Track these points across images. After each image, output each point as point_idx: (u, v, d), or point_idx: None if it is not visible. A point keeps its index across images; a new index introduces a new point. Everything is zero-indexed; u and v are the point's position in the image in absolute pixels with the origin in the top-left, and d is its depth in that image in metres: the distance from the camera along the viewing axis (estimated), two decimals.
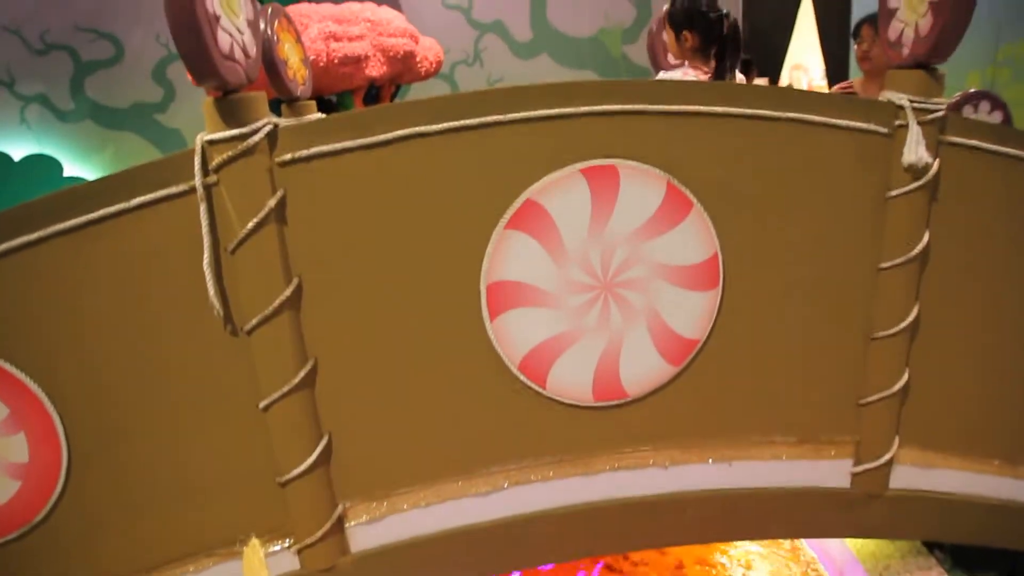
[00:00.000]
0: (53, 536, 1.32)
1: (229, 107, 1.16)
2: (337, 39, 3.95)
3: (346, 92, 4.10)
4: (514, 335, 1.33)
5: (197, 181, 1.17)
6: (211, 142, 1.16)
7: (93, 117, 6.62)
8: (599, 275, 1.32)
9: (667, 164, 1.30)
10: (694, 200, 1.32)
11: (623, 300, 1.34)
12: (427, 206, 1.27)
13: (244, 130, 1.16)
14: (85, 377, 1.26)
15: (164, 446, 1.32)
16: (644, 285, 1.34)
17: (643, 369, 1.37)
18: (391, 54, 4.15)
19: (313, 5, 4.21)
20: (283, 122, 1.20)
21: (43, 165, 6.55)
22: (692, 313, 1.37)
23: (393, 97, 4.58)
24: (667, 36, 2.76)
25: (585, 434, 1.40)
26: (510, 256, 1.29)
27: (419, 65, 4.44)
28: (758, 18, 6.47)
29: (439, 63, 4.67)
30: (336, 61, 3.88)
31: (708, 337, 1.38)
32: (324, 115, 1.67)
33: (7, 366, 1.23)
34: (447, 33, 5.98)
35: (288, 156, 1.20)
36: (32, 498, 1.30)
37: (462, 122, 1.23)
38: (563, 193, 1.28)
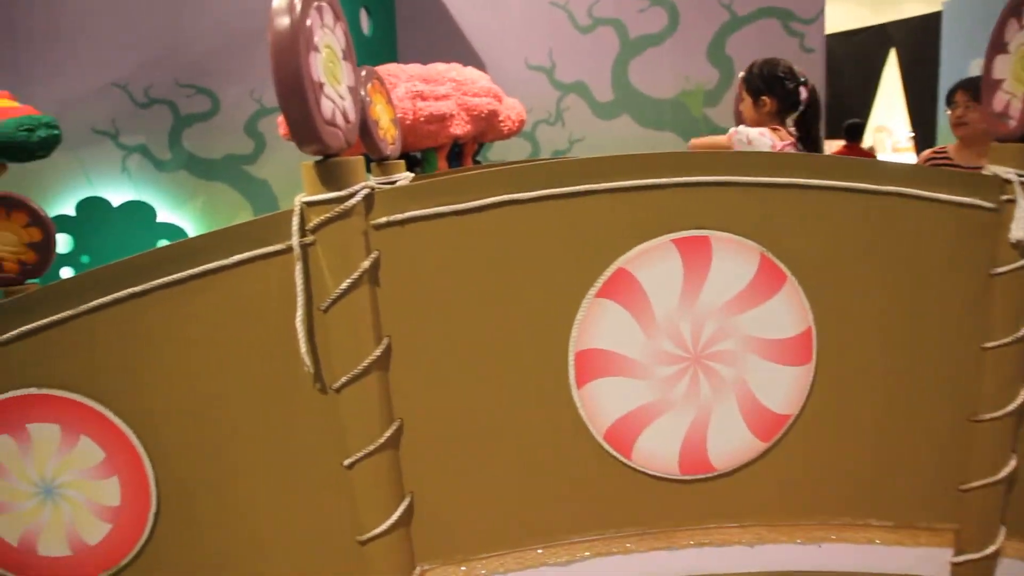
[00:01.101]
0: None
1: (328, 170, 1.19)
2: (424, 98, 4.05)
3: (430, 149, 4.20)
4: (601, 404, 1.31)
5: (294, 241, 1.20)
6: (309, 204, 1.20)
7: (188, 167, 6.91)
8: (689, 346, 1.30)
9: (761, 236, 1.28)
10: (788, 273, 1.29)
11: (713, 372, 1.31)
12: (518, 272, 1.28)
13: (342, 193, 1.19)
14: (177, 427, 1.30)
15: (248, 499, 1.33)
16: (735, 358, 1.31)
17: (731, 443, 1.34)
18: (475, 113, 4.23)
19: (401, 65, 4.34)
20: (379, 186, 1.22)
21: (139, 211, 6.85)
22: (783, 388, 1.33)
23: (476, 154, 4.66)
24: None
25: (670, 507, 1.37)
26: (600, 324, 1.28)
27: (502, 124, 4.51)
28: (841, 80, 6.43)
29: (521, 122, 4.74)
30: (422, 119, 3.98)
31: (800, 413, 1.34)
32: (412, 173, 1.71)
33: (107, 412, 1.27)
34: (530, 93, 6.10)
35: (383, 219, 1.22)
36: (120, 542, 1.33)
37: (556, 190, 1.23)
38: (655, 263, 1.27)
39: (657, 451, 1.34)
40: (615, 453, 1.34)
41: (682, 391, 1.32)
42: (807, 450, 1.36)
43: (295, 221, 1.20)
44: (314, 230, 1.20)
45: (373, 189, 1.22)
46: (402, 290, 1.25)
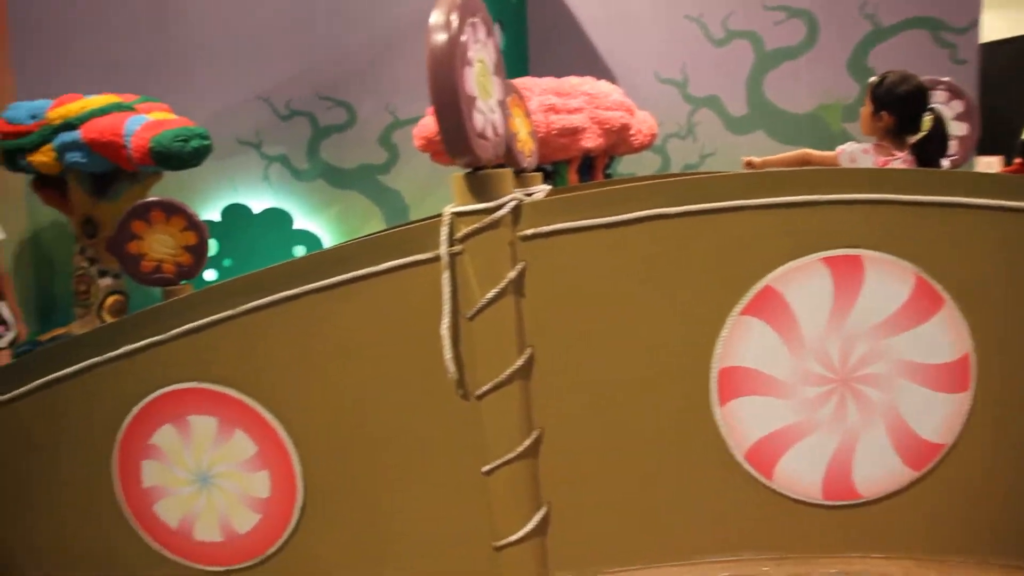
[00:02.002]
0: (282, 569, 1.41)
1: (478, 182, 1.22)
2: (556, 111, 4.08)
3: (561, 162, 4.22)
4: (743, 423, 1.29)
5: (443, 250, 1.23)
6: (458, 214, 1.23)
7: (324, 176, 7.17)
8: (837, 368, 1.26)
9: (916, 256, 1.23)
10: (945, 295, 1.23)
11: (861, 396, 1.27)
12: (663, 286, 1.27)
13: (490, 204, 1.21)
14: (324, 426, 1.35)
15: (388, 498, 1.37)
16: (885, 382, 1.26)
17: (879, 470, 1.29)
18: (607, 126, 4.23)
19: (534, 79, 4.39)
20: (527, 198, 1.24)
21: (277, 218, 7.16)
22: (937, 415, 1.27)
23: (606, 168, 4.66)
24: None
25: (811, 533, 1.33)
26: (745, 342, 1.26)
27: (633, 138, 4.50)
28: (1000, 93, 6.08)
29: (653, 136, 4.71)
30: (554, 132, 4.01)
31: (955, 443, 1.27)
32: (548, 186, 1.72)
33: (260, 409, 1.34)
34: (661, 106, 6.04)
35: (530, 231, 1.24)
36: (268, 532, 1.40)
37: (705, 205, 1.22)
38: (803, 282, 1.24)
39: (800, 474, 1.30)
40: (756, 474, 1.31)
41: (828, 413, 1.28)
42: (963, 482, 1.28)
43: (444, 231, 1.23)
44: (462, 240, 1.23)
45: (521, 201, 1.23)
46: (546, 301, 1.27)
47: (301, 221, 7.12)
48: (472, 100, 1.16)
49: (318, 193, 7.14)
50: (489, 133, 1.21)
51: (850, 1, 6.41)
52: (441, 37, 1.12)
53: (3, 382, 1.41)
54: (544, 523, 1.34)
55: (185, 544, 1.42)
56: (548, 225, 1.24)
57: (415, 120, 6.56)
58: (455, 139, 1.15)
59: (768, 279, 1.24)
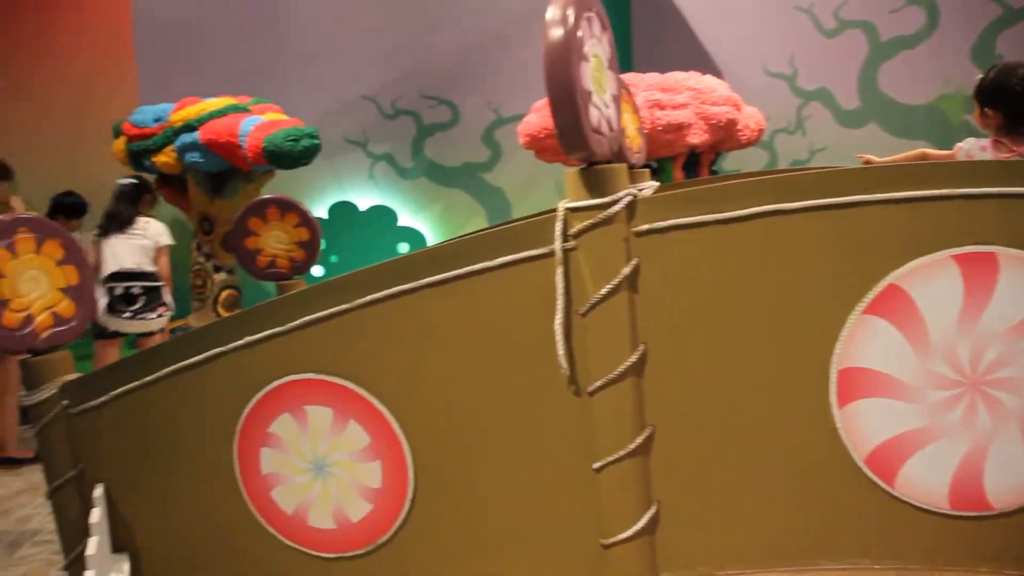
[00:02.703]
0: (392, 558, 1.43)
1: (592, 177, 1.22)
2: (661, 107, 4.04)
3: (666, 158, 4.17)
4: (863, 425, 1.24)
5: (557, 246, 1.23)
6: (573, 209, 1.23)
7: (428, 174, 7.31)
8: (966, 370, 1.20)
9: None
10: None
11: (994, 400, 1.20)
12: (781, 284, 1.23)
13: (605, 200, 1.21)
14: (436, 419, 1.37)
15: (498, 492, 1.38)
16: (1021, 386, 1.19)
17: (1014, 480, 1.22)
18: (713, 122, 4.16)
19: (639, 74, 4.35)
20: (642, 193, 1.23)
21: (382, 215, 7.34)
22: None
23: (712, 164, 4.58)
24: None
25: (935, 544, 1.27)
26: (867, 342, 1.21)
27: (740, 133, 4.41)
28: None
29: (760, 131, 4.61)
30: (659, 128, 3.97)
31: None
32: (657, 183, 1.70)
33: (374, 400, 1.37)
34: (769, 101, 5.91)
35: (645, 226, 1.23)
36: (379, 522, 1.43)
37: (825, 200, 1.18)
38: (931, 280, 1.19)
39: (924, 481, 1.25)
40: (876, 479, 1.26)
41: (956, 418, 1.22)
42: None
43: (558, 226, 1.23)
44: (576, 235, 1.23)
45: (635, 196, 1.22)
46: (660, 297, 1.25)
47: (405, 218, 7.27)
48: (588, 95, 1.16)
49: (422, 191, 7.28)
50: (604, 128, 1.21)
51: None
52: (557, 32, 1.12)
53: (133, 370, 1.48)
54: (654, 522, 1.32)
55: (300, 530, 1.46)
56: (663, 221, 1.22)
57: (518, 118, 6.60)
58: (571, 134, 1.14)
59: (893, 277, 1.19)
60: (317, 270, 6.80)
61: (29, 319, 1.48)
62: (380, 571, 1.45)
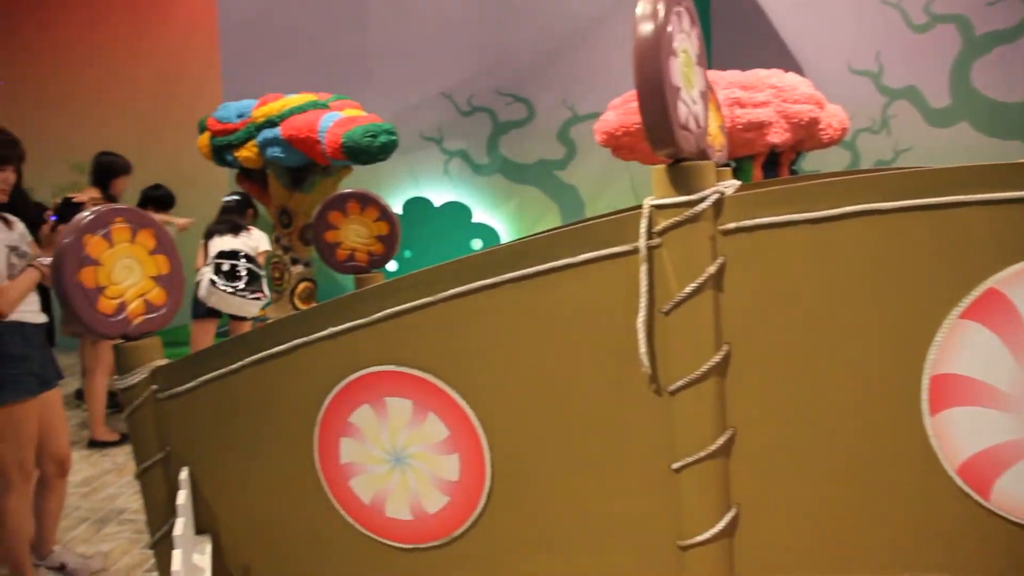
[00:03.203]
0: (466, 552, 1.44)
1: (679, 174, 1.20)
2: (742, 105, 3.97)
3: (746, 157, 4.10)
4: (956, 435, 1.20)
5: (641, 243, 1.22)
6: (658, 207, 1.21)
7: (502, 171, 7.34)
8: None
9: None
10: None
11: None
12: (872, 286, 1.20)
13: (692, 197, 1.19)
14: (515, 414, 1.37)
15: (574, 489, 1.38)
16: None
17: None
18: (795, 120, 4.07)
19: (720, 72, 4.28)
20: (729, 191, 1.21)
21: (456, 211, 7.39)
22: None
23: (792, 164, 4.48)
24: None
25: None
26: (963, 348, 1.17)
27: (822, 132, 4.30)
28: None
29: (843, 130, 4.49)
30: (739, 127, 3.90)
31: None
32: (738, 181, 1.67)
33: (454, 394, 1.38)
34: (853, 99, 5.73)
35: (732, 225, 1.20)
36: (455, 514, 1.43)
37: (923, 200, 1.14)
38: None
39: (1022, 496, 1.19)
40: (969, 491, 1.21)
41: None
42: None
43: (643, 223, 1.22)
44: (661, 233, 1.21)
45: (723, 194, 1.20)
46: (746, 297, 1.23)
47: (480, 214, 7.31)
48: (677, 91, 1.14)
49: (496, 187, 7.31)
50: (691, 125, 1.19)
51: None
52: (648, 27, 1.10)
53: (219, 358, 1.52)
54: (732, 525, 1.30)
55: (377, 520, 1.48)
56: (751, 219, 1.20)
57: (593, 115, 6.57)
58: (659, 130, 1.13)
59: (992, 281, 1.15)
60: (391, 265, 6.90)
61: (123, 306, 1.53)
62: (455, 563, 1.46)
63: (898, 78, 6.23)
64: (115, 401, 6.24)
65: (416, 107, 7.39)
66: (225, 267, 4.79)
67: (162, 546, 1.59)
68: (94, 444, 5.65)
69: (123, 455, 5.49)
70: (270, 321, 1.62)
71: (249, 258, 4.93)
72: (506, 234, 7.28)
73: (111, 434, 5.72)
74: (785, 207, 1.19)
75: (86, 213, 1.50)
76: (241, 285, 4.77)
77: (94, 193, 5.28)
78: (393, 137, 5.34)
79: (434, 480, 1.43)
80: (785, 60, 6.21)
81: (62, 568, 3.70)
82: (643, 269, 1.22)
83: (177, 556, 1.30)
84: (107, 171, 5.58)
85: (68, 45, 9.20)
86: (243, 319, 5.19)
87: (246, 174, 6.38)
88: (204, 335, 5.31)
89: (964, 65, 6.11)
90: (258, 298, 4.88)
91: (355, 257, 2.53)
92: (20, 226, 3.39)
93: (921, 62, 6.16)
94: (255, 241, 5.39)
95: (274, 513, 1.56)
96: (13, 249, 3.25)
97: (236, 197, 5.60)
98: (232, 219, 5.37)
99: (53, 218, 3.44)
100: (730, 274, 1.22)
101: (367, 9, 7.45)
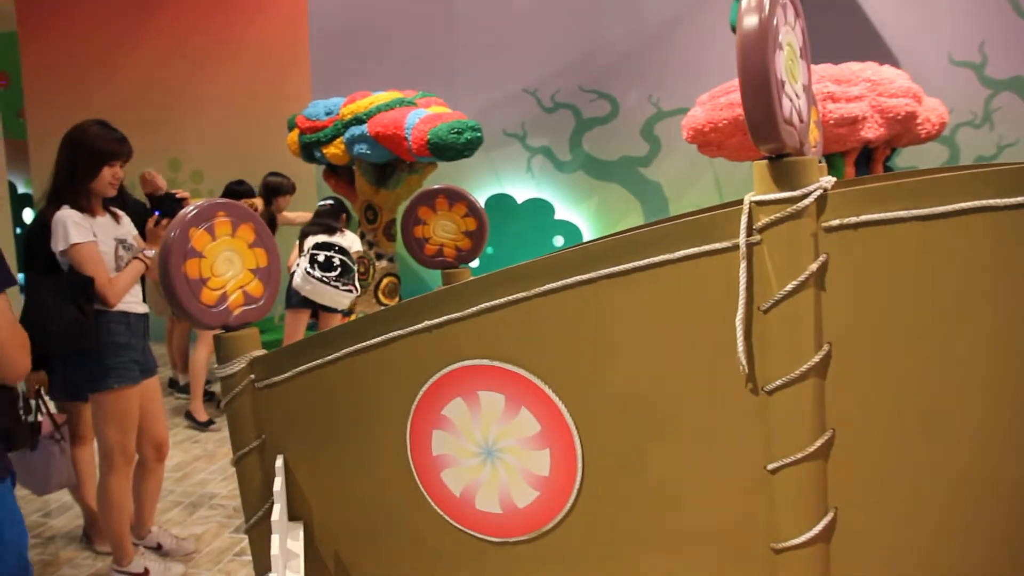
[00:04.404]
0: (555, 547, 1.44)
1: (781, 170, 1.17)
2: (835, 100, 3.86)
3: (837, 154, 3.98)
4: None
5: (741, 240, 1.20)
6: (759, 203, 1.19)
7: (585, 168, 7.31)
8: None
9: None
10: None
11: None
12: (985, 288, 1.15)
13: (794, 193, 1.16)
14: (607, 410, 1.36)
15: (666, 488, 1.36)
16: None
17: None
18: (890, 115, 3.94)
19: (813, 66, 4.17)
20: (833, 187, 1.18)
21: (539, 208, 7.40)
22: None
23: (887, 160, 4.34)
24: None
25: None
26: None
27: (919, 127, 4.15)
28: None
29: (942, 125, 4.32)
30: (832, 122, 3.79)
31: None
32: (833, 178, 1.63)
33: (547, 389, 1.38)
34: (954, 92, 5.53)
35: (835, 222, 1.17)
36: (545, 509, 1.44)
37: None
38: None
39: None
40: None
41: None
42: None
43: (744, 220, 1.19)
44: (761, 229, 1.19)
45: (826, 190, 1.17)
46: (849, 296, 1.19)
47: (562, 211, 7.31)
48: (781, 85, 1.12)
49: (579, 184, 7.30)
50: (795, 119, 1.16)
51: None
52: (753, 20, 1.08)
53: (315, 349, 1.56)
54: (829, 529, 1.27)
55: (466, 512, 1.49)
56: (855, 216, 1.17)
57: (679, 111, 6.50)
58: (763, 125, 1.11)
59: None
60: (474, 262, 6.95)
61: (224, 297, 1.58)
62: (543, 558, 1.46)
63: (1003, 69, 5.95)
64: (209, 392, 6.48)
65: (500, 104, 7.42)
66: (320, 258, 4.92)
67: (257, 531, 1.64)
68: (189, 418, 5.96)
69: (213, 442, 5.68)
70: (355, 316, 1.65)
71: (343, 251, 5.06)
72: (588, 231, 7.25)
73: (204, 414, 6.00)
74: (891, 203, 1.16)
75: (190, 208, 1.55)
76: (335, 275, 4.90)
77: (259, 203, 5.83)
78: (478, 134, 5.38)
79: (524, 474, 1.43)
80: (881, 52, 6.00)
81: (158, 548, 3.86)
82: (743, 266, 1.20)
83: (275, 540, 1.34)
84: (274, 190, 6.16)
85: (164, 46, 9.57)
86: (333, 311, 5.34)
87: (333, 170, 6.53)
88: (297, 325, 5.50)
89: None
90: (350, 291, 4.99)
91: (443, 252, 2.56)
92: (127, 220, 3.55)
93: None
94: (348, 241, 5.56)
95: (366, 502, 1.59)
96: (121, 242, 3.40)
97: (331, 201, 5.81)
98: (326, 222, 5.55)
99: (157, 212, 3.58)
100: (832, 272, 1.19)
101: (452, 7, 7.52)
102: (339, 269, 4.93)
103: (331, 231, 5.46)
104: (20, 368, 1.97)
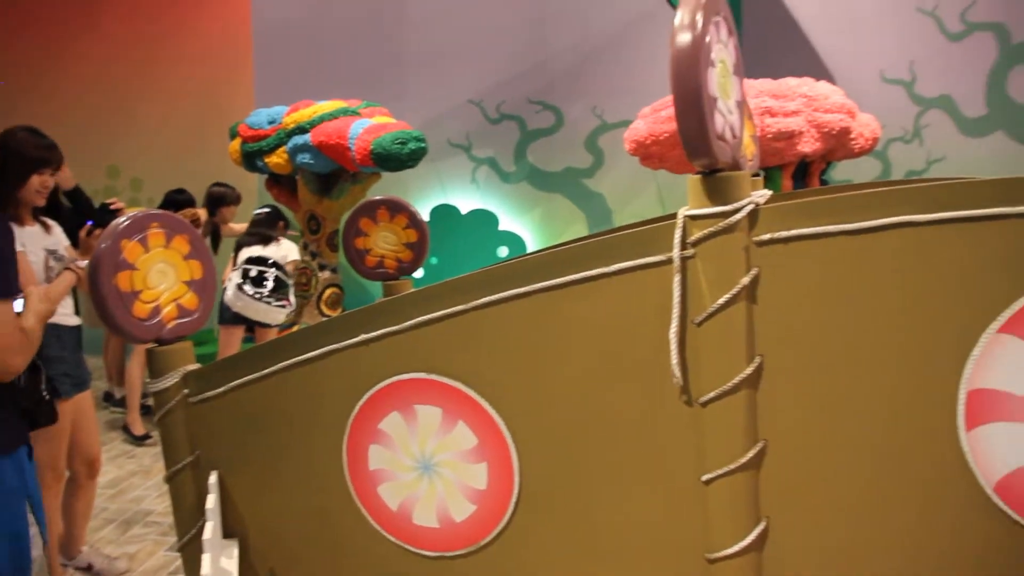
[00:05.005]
0: (492, 560, 1.44)
1: (714, 185, 1.19)
2: (772, 114, 3.93)
3: (775, 167, 4.06)
4: (993, 451, 1.17)
5: (675, 253, 1.21)
6: (693, 217, 1.20)
7: (529, 179, 7.34)
8: None
9: None
10: None
11: None
12: (908, 299, 1.18)
13: (727, 208, 1.18)
14: (544, 423, 1.37)
15: (602, 500, 1.37)
16: None
17: None
18: (826, 130, 4.03)
19: (751, 80, 4.25)
20: (764, 202, 1.20)
21: (483, 219, 7.41)
22: None
23: (822, 174, 4.44)
24: None
25: None
26: (1000, 363, 1.15)
27: (853, 142, 4.25)
28: None
29: (875, 140, 4.44)
30: (769, 136, 3.87)
31: None
32: (769, 191, 1.66)
33: (483, 402, 1.38)
34: (885, 108, 5.68)
35: (767, 236, 1.19)
36: (482, 523, 1.43)
37: (961, 212, 1.12)
38: None
39: None
40: (1007, 509, 1.19)
41: None
42: None
43: (678, 234, 1.21)
44: (695, 243, 1.20)
45: (758, 205, 1.19)
46: (779, 309, 1.22)
47: (506, 222, 7.32)
48: (714, 101, 1.13)
49: (523, 195, 7.32)
50: (728, 135, 1.18)
51: None
52: (686, 37, 1.10)
53: (251, 363, 1.54)
54: (761, 538, 1.29)
55: (404, 527, 1.48)
56: (786, 230, 1.19)
57: (622, 124, 6.55)
58: (696, 141, 1.12)
59: None
60: (417, 272, 6.91)
61: (157, 310, 1.55)
62: (480, 572, 1.45)
63: (932, 87, 6.15)
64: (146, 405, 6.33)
65: (445, 115, 7.42)
66: (252, 272, 4.85)
67: (190, 549, 1.61)
68: (125, 432, 5.82)
69: (149, 457, 5.55)
70: (296, 327, 1.63)
71: (277, 266, 5.00)
72: (532, 242, 7.28)
73: (141, 427, 5.87)
74: (820, 218, 1.18)
75: (123, 219, 1.52)
76: (267, 291, 4.83)
77: (202, 214, 5.69)
78: (422, 144, 5.35)
79: (462, 488, 1.43)
80: (817, 69, 6.16)
81: (89, 568, 3.75)
82: (676, 279, 1.22)
83: (206, 560, 1.31)
84: (218, 200, 6.03)
85: (105, 52, 9.36)
86: (268, 326, 5.26)
87: (275, 180, 6.43)
88: (231, 340, 5.40)
89: (1000, 74, 6.02)
90: (283, 306, 4.93)
91: (384, 264, 2.54)
92: (57, 230, 3.45)
93: (956, 70, 6.08)
94: (284, 251, 5.51)
95: (302, 518, 1.56)
96: (51, 253, 3.30)
97: (267, 209, 5.75)
98: (262, 231, 5.49)
99: (90, 223, 3.49)
100: (764, 285, 1.21)
101: (398, 17, 7.50)
102: (272, 284, 4.87)
103: (266, 241, 5.39)
104: (12, 369, 2.18)
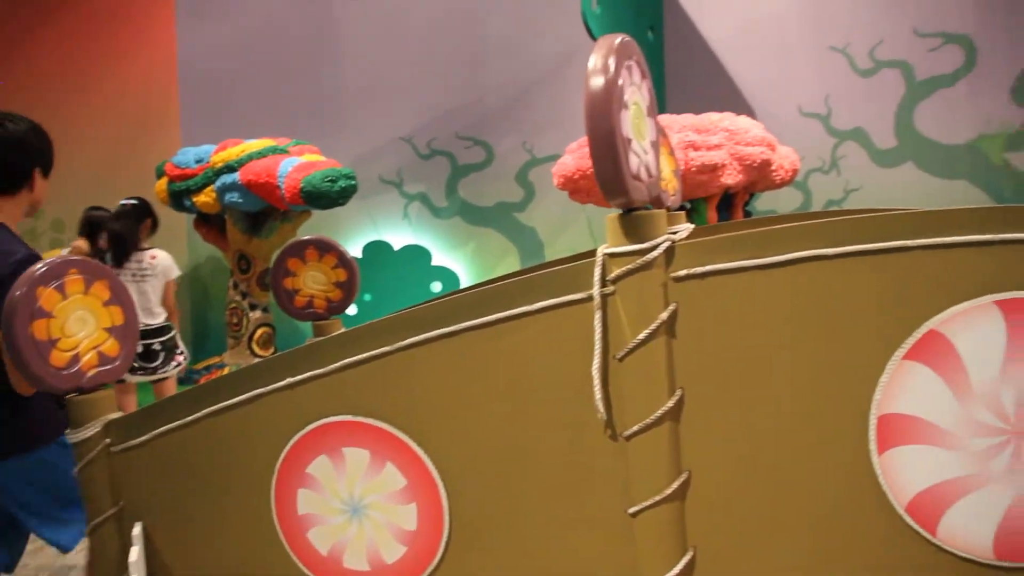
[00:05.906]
0: None
1: (631, 223, 1.22)
2: (695, 148, 4.05)
3: (700, 199, 4.18)
4: (904, 473, 1.22)
5: (596, 291, 1.24)
6: (611, 255, 1.23)
7: (461, 214, 7.38)
8: (1011, 418, 1.18)
9: None
10: None
11: None
12: (820, 329, 1.23)
13: (644, 245, 1.21)
14: (471, 462, 1.37)
15: (533, 536, 1.38)
16: None
17: None
18: (748, 162, 4.16)
19: (674, 116, 4.37)
20: (681, 239, 1.23)
21: (416, 254, 7.41)
22: None
23: (746, 205, 4.58)
24: None
25: None
26: (906, 388, 1.20)
27: (774, 173, 4.40)
28: None
29: (795, 171, 4.61)
30: (693, 169, 3.98)
31: None
32: (692, 225, 1.71)
33: (411, 443, 1.38)
34: (803, 141, 5.90)
35: (683, 272, 1.23)
36: (414, 564, 1.42)
37: (865, 246, 1.18)
38: (973, 326, 1.17)
39: (968, 530, 1.22)
40: (918, 528, 1.23)
41: (1001, 467, 1.19)
42: None
43: (597, 272, 1.24)
44: (615, 280, 1.23)
45: (674, 242, 1.23)
46: (698, 343, 1.25)
47: (439, 257, 7.33)
48: (628, 143, 1.17)
49: (456, 230, 7.35)
50: (643, 174, 1.22)
51: (1015, 22, 6.04)
52: (599, 81, 1.14)
53: (175, 410, 1.51)
54: (689, 568, 1.31)
55: (335, 571, 1.46)
56: (701, 266, 1.23)
57: (552, 158, 6.65)
58: (611, 182, 1.15)
59: (933, 323, 1.18)
60: (351, 309, 6.86)
61: (76, 358, 1.51)
62: None
63: (846, 120, 6.42)
64: None
65: (376, 151, 7.42)
66: (139, 350, 4.63)
67: None
68: None
69: None
70: (227, 369, 1.61)
71: (160, 330, 4.79)
72: (466, 277, 7.29)
73: None
74: (734, 254, 1.22)
75: (40, 265, 1.48)
76: (159, 362, 4.71)
77: (82, 244, 5.16)
78: (352, 182, 5.35)
79: (392, 530, 1.42)
80: (738, 103, 6.37)
81: None
82: (597, 316, 1.24)
83: None
84: (98, 226, 5.38)
85: (23, 89, 9.12)
86: (165, 379, 5.04)
87: (204, 219, 6.33)
88: (127, 402, 5.06)
89: (908, 108, 6.31)
90: (178, 363, 4.83)
91: (313, 304, 2.52)
92: None
93: (867, 105, 6.36)
94: (161, 271, 4.92)
95: (231, 567, 1.53)
96: None
97: (133, 201, 5.05)
98: (124, 230, 4.87)
99: None
100: (682, 320, 1.24)
101: (325, 56, 7.51)
102: (161, 355, 4.75)
103: (131, 245, 4.82)
104: (24, 390, 2.29)
